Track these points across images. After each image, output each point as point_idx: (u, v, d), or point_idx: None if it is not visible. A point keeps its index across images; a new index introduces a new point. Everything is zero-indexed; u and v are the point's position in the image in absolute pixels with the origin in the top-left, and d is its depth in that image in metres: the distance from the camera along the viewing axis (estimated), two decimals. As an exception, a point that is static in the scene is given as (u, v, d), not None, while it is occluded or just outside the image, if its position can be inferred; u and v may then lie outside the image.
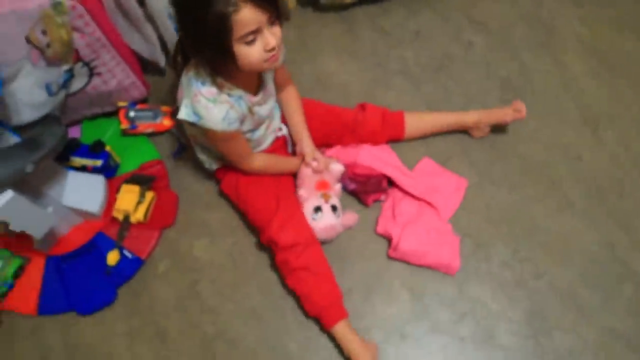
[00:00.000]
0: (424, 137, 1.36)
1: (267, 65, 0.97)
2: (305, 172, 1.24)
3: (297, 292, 1.16)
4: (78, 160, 1.31)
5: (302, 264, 1.13)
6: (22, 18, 1.09)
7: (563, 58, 1.49)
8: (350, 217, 1.25)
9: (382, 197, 1.31)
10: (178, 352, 1.18)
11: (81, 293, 1.24)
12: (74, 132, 1.42)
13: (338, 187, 1.26)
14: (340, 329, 1.12)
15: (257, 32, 0.90)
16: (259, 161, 1.20)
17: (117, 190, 1.30)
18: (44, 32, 1.11)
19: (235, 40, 0.89)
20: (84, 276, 1.25)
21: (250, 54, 0.92)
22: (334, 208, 1.21)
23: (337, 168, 1.26)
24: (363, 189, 1.30)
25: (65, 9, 1.09)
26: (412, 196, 1.29)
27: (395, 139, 1.35)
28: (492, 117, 1.33)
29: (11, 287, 1.24)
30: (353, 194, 1.31)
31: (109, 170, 1.35)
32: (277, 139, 1.29)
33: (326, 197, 1.21)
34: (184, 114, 1.02)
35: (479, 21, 1.57)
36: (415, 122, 1.34)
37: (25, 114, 1.18)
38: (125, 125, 1.39)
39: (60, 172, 1.23)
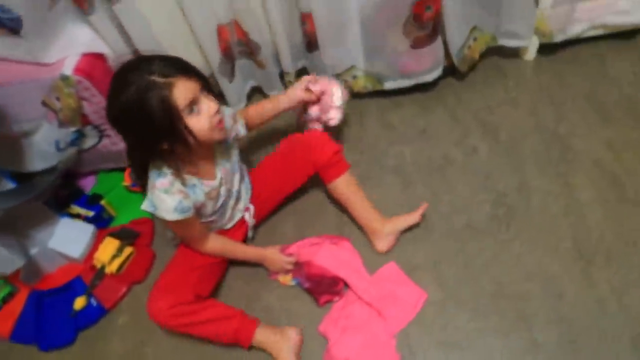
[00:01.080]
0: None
1: (218, 134, 1.06)
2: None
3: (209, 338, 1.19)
4: (75, 209, 1.47)
5: (182, 321, 1.14)
6: (39, 86, 1.29)
7: (572, 180, 1.35)
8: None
9: (336, 298, 1.27)
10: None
11: (46, 329, 1.37)
12: (90, 182, 1.60)
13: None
14: (260, 339, 1.18)
15: (195, 101, 0.99)
16: (214, 244, 1.24)
17: (102, 240, 1.44)
18: (58, 99, 1.30)
19: (183, 114, 0.97)
20: (52, 314, 1.38)
21: (200, 123, 1.00)
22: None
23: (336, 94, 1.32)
24: (316, 288, 1.28)
25: (73, 82, 1.28)
26: (365, 302, 1.24)
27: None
28: (399, 223, 1.29)
29: (-1, 310, 1.40)
30: (307, 292, 1.29)
31: (101, 221, 1.49)
32: (241, 220, 1.33)
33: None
34: (144, 204, 1.11)
35: (490, 127, 1.49)
36: (345, 186, 1.30)
37: (35, 164, 1.37)
38: (127, 182, 1.53)
39: (52, 217, 1.40)
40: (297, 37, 1.48)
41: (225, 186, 1.20)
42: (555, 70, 1.56)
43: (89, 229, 1.45)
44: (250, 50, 1.49)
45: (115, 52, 1.33)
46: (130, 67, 0.98)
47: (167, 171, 1.06)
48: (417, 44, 1.41)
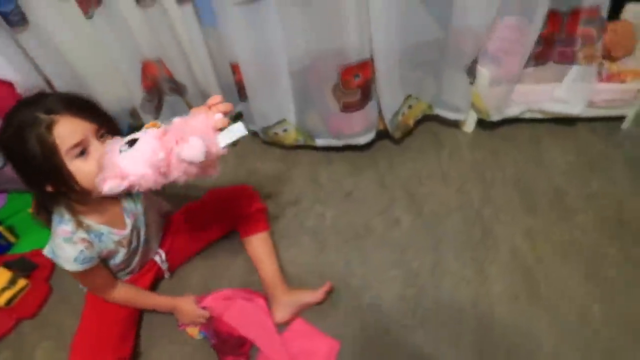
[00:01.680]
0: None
1: None
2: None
3: None
4: (-28, 234, 1.40)
5: None
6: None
7: (487, 268, 1.30)
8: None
9: None
10: None
11: None
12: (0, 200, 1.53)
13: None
14: None
15: (84, 144, 0.90)
16: (122, 293, 1.17)
17: (-5, 269, 1.36)
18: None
19: (65, 157, 0.89)
20: None
21: (86, 169, 0.91)
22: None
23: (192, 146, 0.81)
24: (221, 347, 1.21)
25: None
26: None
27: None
28: (300, 297, 1.23)
29: None
30: (213, 348, 1.23)
31: (-1, 247, 1.42)
32: (151, 262, 1.27)
33: (152, 125, 0.86)
34: (46, 250, 1.05)
35: (416, 199, 1.45)
36: (258, 245, 1.29)
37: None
38: (33, 209, 1.46)
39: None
40: (230, 84, 1.43)
41: (136, 230, 1.14)
42: (491, 147, 1.53)
43: (-18, 256, 1.38)
44: (177, 88, 1.44)
45: (25, 80, 1.26)
46: (26, 101, 0.92)
47: (68, 217, 1.00)
48: (347, 108, 1.37)
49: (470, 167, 1.49)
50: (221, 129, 0.84)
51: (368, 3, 1.15)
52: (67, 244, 0.99)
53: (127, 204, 1.11)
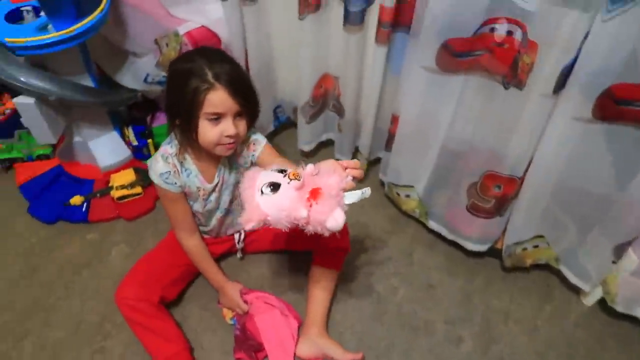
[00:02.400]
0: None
1: (219, 150, 1.09)
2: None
3: (145, 346, 1.20)
4: (128, 131, 1.64)
5: (138, 318, 1.18)
6: (159, 27, 1.46)
7: None
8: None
9: None
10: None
11: (42, 199, 1.57)
12: (162, 119, 1.77)
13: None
14: None
15: (222, 116, 1.04)
16: (193, 244, 1.27)
17: (127, 167, 1.59)
18: (166, 45, 1.46)
19: (201, 114, 1.04)
20: (55, 192, 1.58)
21: (209, 132, 1.05)
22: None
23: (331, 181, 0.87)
24: (240, 342, 1.26)
25: (180, 40, 1.43)
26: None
27: None
28: (330, 348, 1.22)
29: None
30: (234, 338, 1.28)
31: (140, 154, 1.66)
32: (230, 237, 1.37)
33: (294, 176, 0.87)
34: (149, 159, 1.20)
35: (491, 334, 1.32)
36: (321, 280, 1.31)
37: (124, 80, 1.56)
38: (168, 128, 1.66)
39: (106, 125, 1.58)
40: (383, 130, 1.47)
41: (217, 194, 1.23)
42: (599, 335, 1.32)
43: (125, 153, 1.61)
44: (339, 109, 1.51)
45: (229, 40, 1.44)
46: (209, 52, 1.09)
47: (175, 143, 1.14)
48: (474, 210, 1.31)
49: (566, 339, 1.32)
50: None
51: (546, 128, 1.09)
52: (161, 160, 1.14)
53: (223, 168, 1.20)
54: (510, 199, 1.24)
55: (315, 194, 0.85)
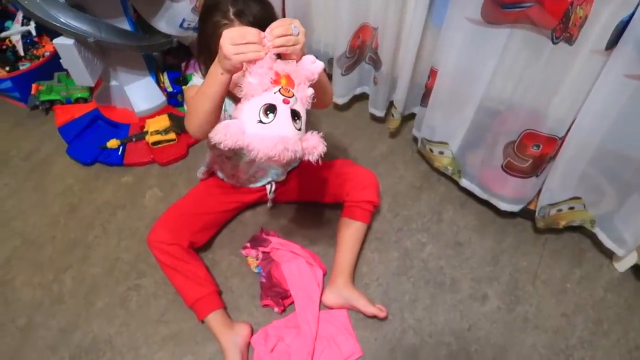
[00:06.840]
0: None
1: (238, 91, 1.06)
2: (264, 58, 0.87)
3: (176, 289, 1.23)
4: (164, 77, 1.65)
5: (168, 261, 1.20)
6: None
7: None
8: (313, 140, 0.86)
9: (276, 308, 1.27)
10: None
11: (80, 141, 1.62)
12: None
13: (308, 91, 0.89)
14: (211, 321, 1.20)
15: None
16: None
17: (162, 113, 1.60)
18: (205, -6, 1.43)
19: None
20: (92, 135, 1.61)
21: None
22: (294, 115, 0.85)
23: (313, 65, 0.88)
24: (266, 289, 1.30)
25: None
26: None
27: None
28: (355, 299, 1.25)
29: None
30: (260, 285, 1.32)
31: (174, 100, 1.68)
32: (261, 188, 1.36)
33: (286, 94, 0.85)
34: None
35: (518, 294, 1.32)
36: (350, 231, 1.33)
37: (160, 24, 1.55)
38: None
39: (142, 71, 1.59)
40: (420, 84, 1.43)
41: None
42: (630, 301, 1.31)
43: (160, 99, 1.63)
44: (375, 61, 1.48)
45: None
46: None
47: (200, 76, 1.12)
48: (509, 169, 1.28)
49: (594, 303, 1.31)
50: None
51: (592, 88, 1.04)
52: (196, 76, 1.13)
53: None
54: (548, 159, 1.21)
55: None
